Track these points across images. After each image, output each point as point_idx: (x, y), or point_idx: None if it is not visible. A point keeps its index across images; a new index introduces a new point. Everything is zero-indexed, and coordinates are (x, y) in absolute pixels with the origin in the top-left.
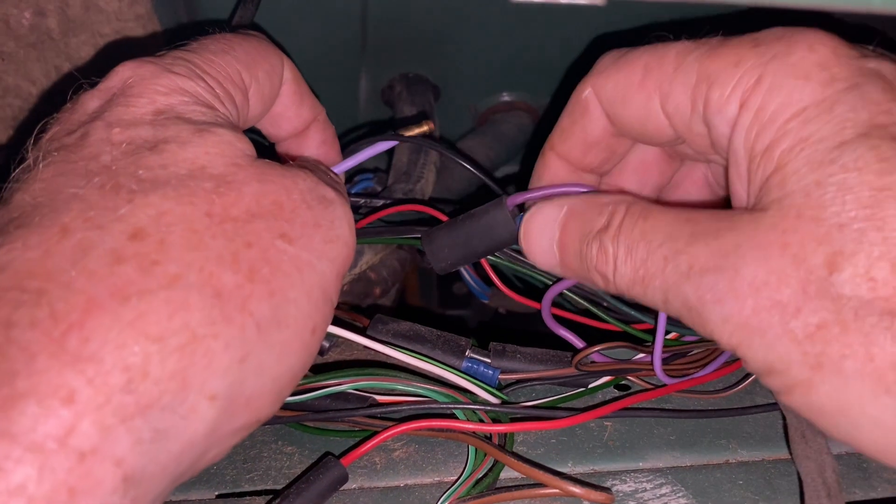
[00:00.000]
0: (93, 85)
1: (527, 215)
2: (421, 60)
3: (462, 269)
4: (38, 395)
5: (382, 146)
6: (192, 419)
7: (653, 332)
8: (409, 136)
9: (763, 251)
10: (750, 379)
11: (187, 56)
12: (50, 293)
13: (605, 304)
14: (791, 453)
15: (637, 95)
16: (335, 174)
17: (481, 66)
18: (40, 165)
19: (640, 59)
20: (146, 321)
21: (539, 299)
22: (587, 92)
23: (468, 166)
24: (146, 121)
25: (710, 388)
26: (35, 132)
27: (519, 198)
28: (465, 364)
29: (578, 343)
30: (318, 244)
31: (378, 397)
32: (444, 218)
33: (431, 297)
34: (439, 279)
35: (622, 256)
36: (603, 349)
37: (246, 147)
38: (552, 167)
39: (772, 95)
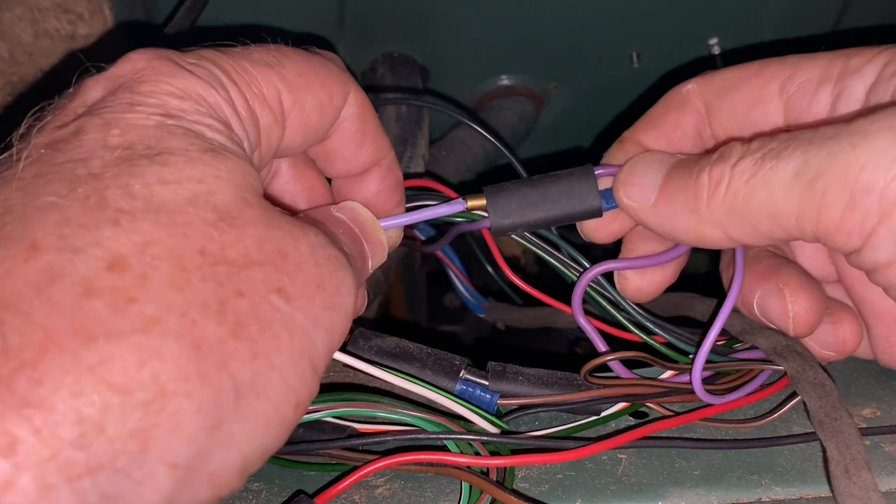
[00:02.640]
0: (99, 70)
1: (635, 157)
2: (407, 38)
3: (455, 279)
4: None
5: (445, 210)
6: (147, 487)
7: (672, 347)
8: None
9: None
10: (787, 406)
11: (216, 59)
12: (4, 323)
13: (628, 312)
14: (832, 491)
15: (751, 82)
16: (355, 243)
17: (477, 45)
18: (22, 162)
19: (754, 62)
20: (110, 368)
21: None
22: (690, 85)
23: (492, 138)
24: (151, 125)
25: (739, 417)
26: (28, 116)
27: (604, 171)
28: (459, 387)
29: (601, 346)
30: (318, 309)
31: (358, 426)
32: (452, 194)
33: (419, 309)
34: (428, 289)
35: (740, 168)
36: (620, 357)
37: (256, 183)
38: (630, 154)
39: None
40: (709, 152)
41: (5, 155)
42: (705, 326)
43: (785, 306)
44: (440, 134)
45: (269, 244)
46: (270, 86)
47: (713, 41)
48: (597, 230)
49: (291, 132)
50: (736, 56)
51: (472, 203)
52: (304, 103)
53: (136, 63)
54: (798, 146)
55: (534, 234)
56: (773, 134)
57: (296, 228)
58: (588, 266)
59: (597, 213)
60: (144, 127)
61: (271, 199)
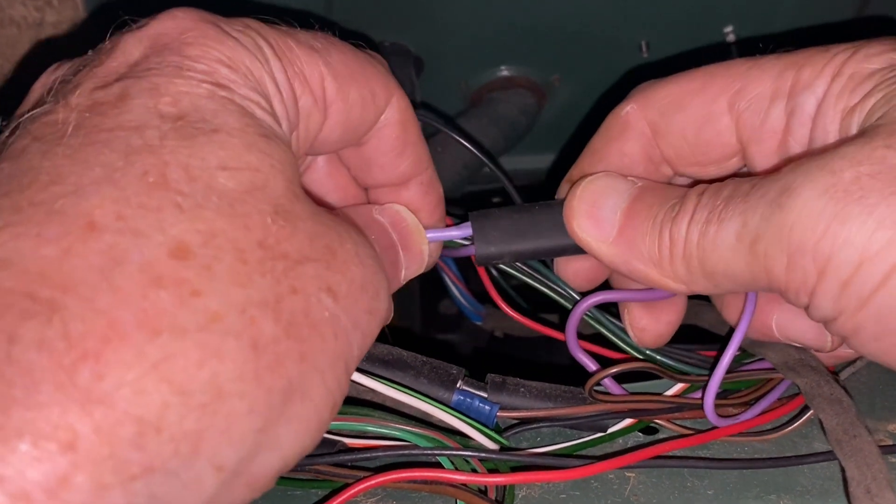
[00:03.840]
0: (136, 25)
1: (589, 178)
2: (399, 25)
3: (451, 284)
4: (35, 434)
5: (456, 233)
6: (193, 490)
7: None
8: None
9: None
10: (804, 418)
11: (261, 31)
12: (66, 308)
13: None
14: None
15: (697, 98)
16: (388, 252)
17: (474, 33)
18: (69, 126)
19: (698, 70)
20: (173, 366)
21: (538, 320)
22: (629, 107)
23: (468, 145)
24: (203, 94)
25: (755, 430)
26: (51, 74)
27: None
28: (455, 398)
29: (593, 367)
30: (360, 311)
31: (348, 441)
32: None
33: (413, 316)
34: (422, 296)
35: (703, 226)
36: (625, 370)
37: (298, 174)
38: None
39: (869, 61)
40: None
41: (39, 111)
42: (720, 341)
43: (820, 326)
44: (436, 129)
45: (319, 241)
46: (314, 69)
47: (728, 29)
48: (575, 276)
49: (332, 123)
50: (753, 45)
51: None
52: (347, 95)
53: (181, 22)
54: (736, 206)
55: (530, 267)
56: (724, 179)
57: (340, 226)
58: (578, 298)
59: None
60: (197, 96)
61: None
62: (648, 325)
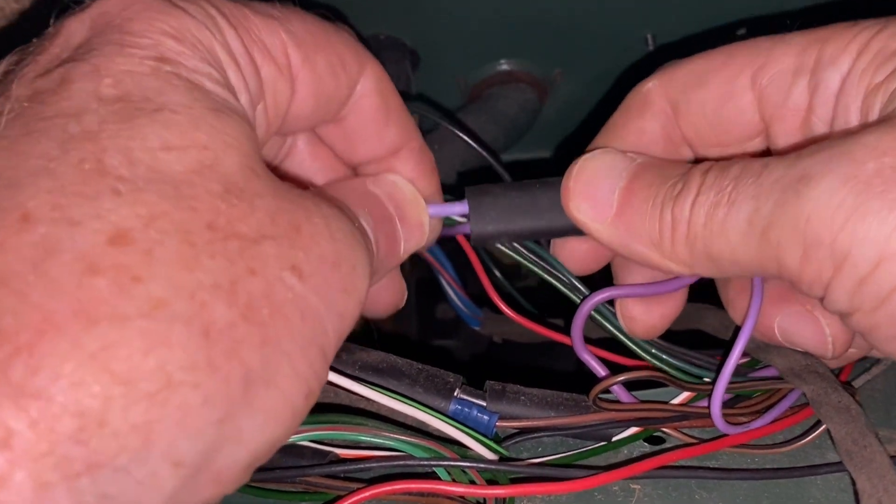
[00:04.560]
0: (79, 5)
1: (586, 155)
2: (395, 18)
3: (448, 287)
4: None
5: (454, 209)
6: (149, 488)
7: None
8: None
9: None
10: (818, 430)
11: (211, 0)
12: None
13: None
14: None
15: (719, 75)
16: (384, 224)
17: (473, 26)
18: (3, 116)
19: (721, 48)
20: (114, 355)
21: (542, 323)
22: (651, 84)
23: (469, 140)
24: (146, 71)
25: (766, 442)
26: (3, 65)
27: None
28: (453, 407)
29: (601, 371)
30: (332, 290)
31: (340, 451)
32: None
33: (409, 321)
34: (418, 300)
35: (711, 204)
36: (630, 378)
37: (258, 148)
38: None
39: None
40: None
41: None
42: (724, 345)
43: (821, 330)
44: (433, 124)
45: (281, 217)
46: (274, 37)
47: (741, 32)
48: (570, 258)
49: (303, 95)
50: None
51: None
52: (314, 63)
53: None
54: (747, 189)
55: (530, 251)
56: (733, 157)
57: (306, 200)
58: (586, 292)
59: None
60: (139, 74)
61: (286, 177)
62: (639, 316)
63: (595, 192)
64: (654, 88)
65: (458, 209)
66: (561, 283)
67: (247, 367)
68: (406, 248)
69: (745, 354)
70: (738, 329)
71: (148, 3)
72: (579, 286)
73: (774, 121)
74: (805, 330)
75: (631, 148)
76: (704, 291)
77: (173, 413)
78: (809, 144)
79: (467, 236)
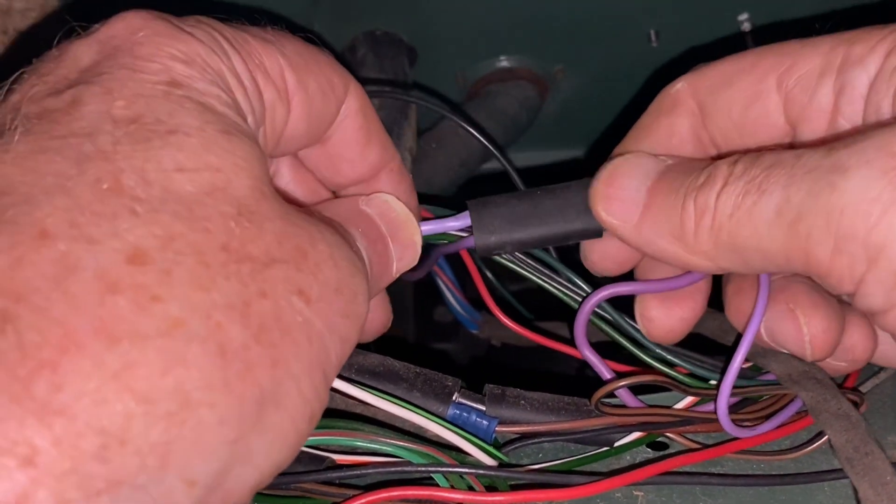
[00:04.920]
0: (86, 30)
1: (616, 159)
2: (392, 13)
3: (446, 290)
4: None
5: (454, 224)
6: None
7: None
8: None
9: None
10: (825, 436)
11: (214, 24)
12: (19, 318)
13: (640, 343)
14: None
15: (746, 76)
16: (376, 244)
17: (472, 21)
18: (16, 134)
19: (750, 51)
20: (134, 374)
21: (539, 330)
22: (680, 85)
23: (479, 136)
24: (158, 94)
25: (773, 448)
26: (6, 84)
27: None
28: (451, 411)
29: (607, 374)
30: (335, 315)
31: (337, 457)
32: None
33: (406, 324)
34: (416, 303)
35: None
36: (635, 382)
37: (268, 170)
38: None
39: None
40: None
41: None
42: (722, 350)
43: (799, 329)
44: (431, 123)
45: (288, 241)
46: (272, 59)
47: (743, 17)
48: (603, 259)
49: (296, 116)
50: (769, 33)
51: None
52: (307, 85)
53: (131, 22)
54: (779, 179)
55: (527, 255)
56: (761, 150)
57: (311, 226)
58: (588, 290)
59: (596, 233)
60: (151, 98)
61: (290, 200)
62: (659, 317)
63: (623, 193)
64: (683, 89)
65: (455, 224)
66: (561, 290)
67: (260, 388)
68: (398, 267)
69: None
70: (737, 332)
71: (156, 28)
72: (581, 284)
73: (800, 122)
74: (785, 329)
75: (661, 149)
76: None
77: (190, 433)
78: (836, 138)
79: (471, 250)
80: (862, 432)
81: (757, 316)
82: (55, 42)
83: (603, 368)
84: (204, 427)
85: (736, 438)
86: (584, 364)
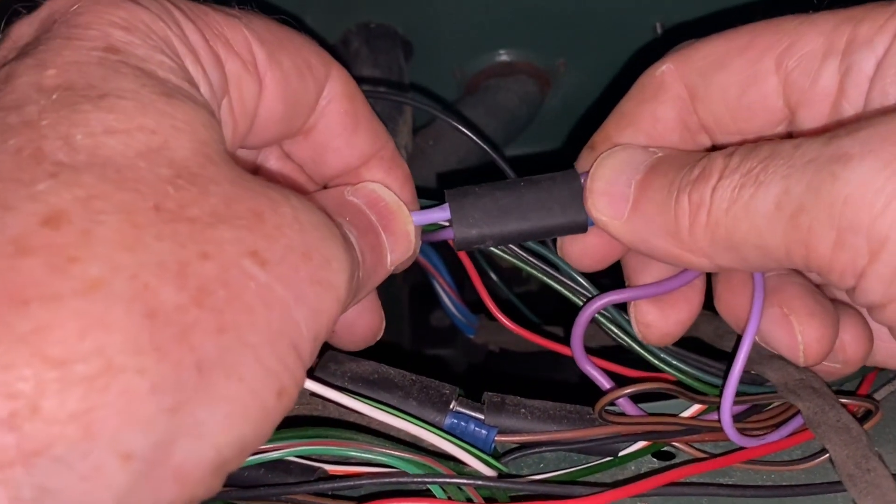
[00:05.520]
0: (31, 10)
1: (604, 153)
2: (387, 4)
3: (443, 294)
4: None
5: (436, 216)
6: (96, 483)
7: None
8: None
9: None
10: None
11: None
12: None
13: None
14: None
15: (741, 57)
16: (367, 235)
17: (470, 13)
18: None
19: (743, 28)
20: (46, 337)
21: (541, 333)
22: (665, 66)
23: (473, 136)
24: (93, 61)
25: (783, 458)
26: None
27: None
28: (448, 420)
29: (606, 384)
30: (302, 281)
31: (329, 467)
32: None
33: (402, 330)
34: (412, 307)
35: (729, 190)
36: (638, 391)
37: (219, 136)
38: None
39: None
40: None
41: None
42: (724, 354)
43: (793, 337)
44: (428, 119)
45: (240, 204)
46: (236, 32)
47: None
48: (582, 255)
49: (271, 96)
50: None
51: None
52: (280, 62)
53: None
54: (777, 170)
55: (530, 252)
56: (759, 140)
57: (272, 191)
58: (592, 292)
59: (581, 228)
60: (85, 64)
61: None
62: (655, 322)
63: (612, 188)
64: (669, 71)
65: (439, 215)
66: (564, 287)
67: (200, 353)
68: (393, 259)
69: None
70: (737, 335)
71: None
72: (586, 285)
73: (801, 106)
74: (779, 334)
75: (644, 138)
76: None
77: (116, 400)
78: (837, 126)
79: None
80: (863, 447)
81: (753, 322)
82: (2, 23)
83: (603, 380)
84: (133, 394)
85: (743, 448)
86: None
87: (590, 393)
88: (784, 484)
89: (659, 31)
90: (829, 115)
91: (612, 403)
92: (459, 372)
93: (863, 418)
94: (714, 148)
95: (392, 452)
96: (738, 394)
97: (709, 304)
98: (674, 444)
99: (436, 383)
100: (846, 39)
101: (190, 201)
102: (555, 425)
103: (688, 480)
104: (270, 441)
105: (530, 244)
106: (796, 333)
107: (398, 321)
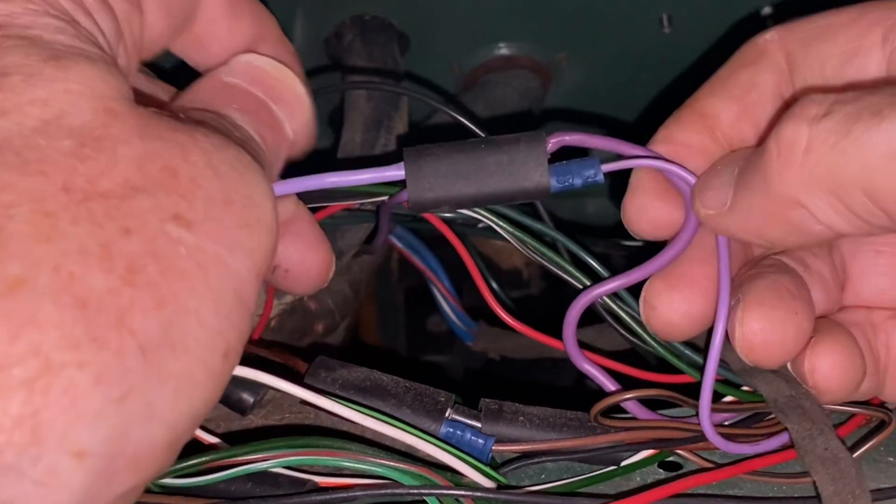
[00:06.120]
0: None
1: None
2: None
3: (440, 297)
4: None
5: (369, 176)
6: (51, 486)
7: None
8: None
9: None
10: (861, 451)
11: None
12: None
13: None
14: None
15: (846, 30)
16: (259, 114)
17: (468, 5)
18: None
19: (851, 6)
20: None
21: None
22: (770, 34)
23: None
24: None
25: (795, 470)
26: None
27: (567, 137)
28: (444, 429)
29: (610, 386)
30: (231, 229)
31: (320, 479)
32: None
33: (397, 335)
34: (407, 310)
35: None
36: (642, 396)
37: (121, 86)
38: (687, 127)
39: None
40: None
41: None
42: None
43: (734, 323)
44: (424, 116)
45: (152, 163)
46: None
47: (766, 11)
48: (639, 219)
49: (153, 16)
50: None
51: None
52: None
53: None
54: None
55: (534, 236)
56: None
57: (180, 134)
58: (585, 285)
59: (543, 193)
60: None
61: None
62: (661, 306)
63: (716, 180)
64: (773, 40)
65: (392, 173)
66: (562, 270)
67: (142, 335)
68: (293, 128)
69: (727, 368)
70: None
71: None
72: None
73: None
74: (731, 321)
75: (736, 104)
76: None
77: (60, 399)
78: None
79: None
80: (852, 481)
81: (723, 297)
82: None
83: (603, 378)
84: (77, 390)
85: (752, 458)
86: (586, 375)
87: (591, 399)
88: (795, 496)
89: (666, 24)
90: None
91: (612, 409)
92: (456, 379)
93: (875, 429)
94: None
95: (386, 463)
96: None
97: None
98: (680, 453)
99: (431, 390)
100: None
101: (99, 173)
102: (555, 433)
103: (695, 492)
104: (258, 451)
105: (536, 226)
106: (737, 319)
107: (393, 326)
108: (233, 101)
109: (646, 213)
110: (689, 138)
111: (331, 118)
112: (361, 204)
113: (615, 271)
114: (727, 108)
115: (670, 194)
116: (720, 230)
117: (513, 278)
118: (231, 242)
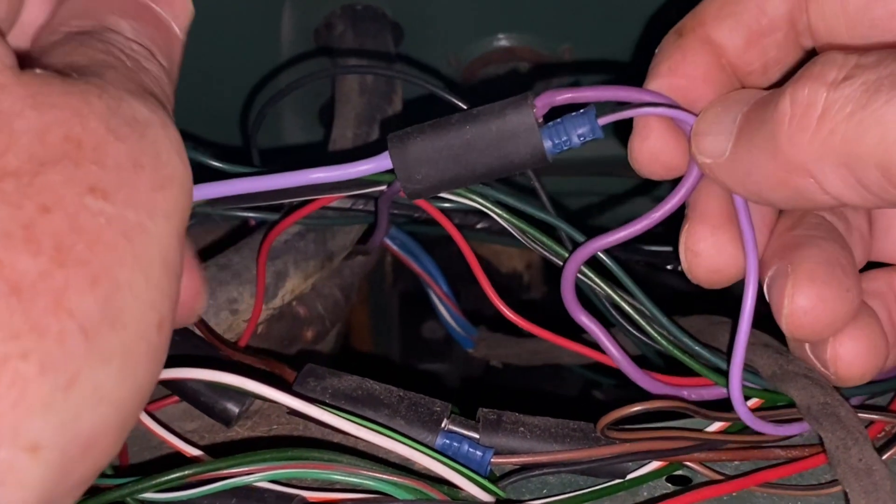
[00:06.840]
0: None
1: (719, 97)
2: None
3: (437, 302)
4: None
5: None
6: (10, 484)
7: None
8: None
9: None
10: (883, 457)
11: None
12: None
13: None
14: None
15: None
16: (144, 19)
17: None
18: None
19: None
20: None
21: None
22: None
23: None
24: None
25: (810, 482)
26: None
27: (556, 96)
28: (440, 440)
29: (608, 343)
30: (146, 194)
31: (308, 494)
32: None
33: (390, 342)
34: (402, 315)
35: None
36: (650, 408)
37: (5, 54)
38: (691, 57)
39: None
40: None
41: None
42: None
43: (782, 297)
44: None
45: (52, 133)
46: None
47: None
48: (651, 162)
49: None
50: None
51: None
52: None
53: None
54: None
55: (535, 225)
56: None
57: (73, 98)
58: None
59: (541, 160)
60: None
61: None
62: (706, 250)
63: (715, 126)
64: None
65: (371, 166)
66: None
67: (81, 315)
68: (180, 25)
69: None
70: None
71: None
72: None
73: None
74: (776, 293)
75: (744, 31)
76: (706, 299)
77: (7, 393)
78: None
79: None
80: (885, 495)
81: (751, 259)
82: None
83: (602, 335)
84: (23, 381)
85: (764, 469)
86: (591, 384)
87: (594, 408)
88: None
89: (674, 14)
90: None
91: (617, 422)
92: (453, 388)
93: (894, 439)
94: None
95: (380, 476)
96: (765, 408)
97: (710, 307)
98: (689, 465)
99: (426, 399)
100: None
101: (2, 150)
102: (557, 445)
103: None
104: (242, 464)
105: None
106: (786, 294)
107: (386, 332)
108: (112, 10)
109: (657, 158)
110: (693, 70)
111: (321, 113)
112: (354, 203)
113: (621, 264)
114: (734, 37)
115: (681, 134)
116: (714, 179)
117: (513, 282)
118: (150, 208)
